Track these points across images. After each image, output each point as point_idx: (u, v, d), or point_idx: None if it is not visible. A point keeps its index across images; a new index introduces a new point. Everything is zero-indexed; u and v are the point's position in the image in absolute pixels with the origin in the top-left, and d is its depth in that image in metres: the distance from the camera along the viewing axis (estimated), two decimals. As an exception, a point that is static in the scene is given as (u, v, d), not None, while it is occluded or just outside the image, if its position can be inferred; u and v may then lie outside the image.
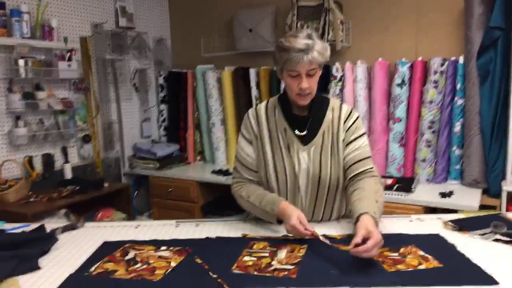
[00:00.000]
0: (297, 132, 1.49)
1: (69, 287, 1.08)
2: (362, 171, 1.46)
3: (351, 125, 1.50)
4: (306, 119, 1.49)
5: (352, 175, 1.47)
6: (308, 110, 1.50)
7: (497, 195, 2.40)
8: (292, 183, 1.50)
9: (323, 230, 1.44)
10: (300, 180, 1.49)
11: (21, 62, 2.56)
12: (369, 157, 1.50)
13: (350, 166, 1.48)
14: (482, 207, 2.32)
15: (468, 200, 2.31)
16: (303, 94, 1.41)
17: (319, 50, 1.36)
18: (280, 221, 1.44)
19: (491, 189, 2.47)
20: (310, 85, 1.39)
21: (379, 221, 1.30)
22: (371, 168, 1.48)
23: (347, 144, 1.49)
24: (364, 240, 1.14)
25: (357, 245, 1.13)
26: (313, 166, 1.48)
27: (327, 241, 1.26)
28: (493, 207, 2.36)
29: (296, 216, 1.33)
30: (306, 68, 1.36)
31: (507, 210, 2.27)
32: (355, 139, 1.49)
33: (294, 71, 1.37)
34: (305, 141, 1.49)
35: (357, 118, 1.53)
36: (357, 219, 1.26)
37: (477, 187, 2.52)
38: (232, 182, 1.60)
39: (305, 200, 1.51)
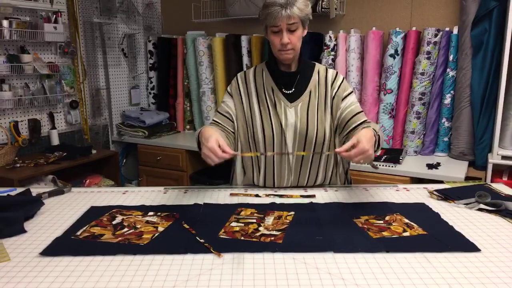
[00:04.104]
0: (284, 90, 1.55)
1: (55, 249, 1.08)
2: (361, 123, 1.51)
3: (341, 84, 1.58)
4: (293, 78, 1.54)
5: (351, 128, 1.52)
6: (295, 69, 1.55)
7: (483, 168, 2.43)
8: (278, 138, 1.54)
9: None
10: (287, 135, 1.54)
11: (5, 22, 2.48)
12: (362, 111, 1.57)
13: (348, 120, 1.53)
14: (468, 178, 2.35)
15: (455, 171, 2.34)
16: (285, 49, 1.44)
17: (300, 6, 1.40)
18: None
19: (478, 162, 2.50)
20: (291, 40, 1.43)
21: (378, 135, 1.38)
22: (366, 120, 1.55)
23: (343, 99, 1.56)
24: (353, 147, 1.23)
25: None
26: (300, 122, 1.53)
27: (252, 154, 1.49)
28: (478, 179, 2.40)
29: (214, 138, 1.29)
30: (285, 22, 1.39)
31: (491, 182, 2.30)
32: (348, 95, 1.57)
33: (275, 27, 1.41)
34: (292, 98, 1.55)
35: (343, 79, 1.60)
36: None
37: (464, 159, 2.55)
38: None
39: (292, 156, 1.56)
